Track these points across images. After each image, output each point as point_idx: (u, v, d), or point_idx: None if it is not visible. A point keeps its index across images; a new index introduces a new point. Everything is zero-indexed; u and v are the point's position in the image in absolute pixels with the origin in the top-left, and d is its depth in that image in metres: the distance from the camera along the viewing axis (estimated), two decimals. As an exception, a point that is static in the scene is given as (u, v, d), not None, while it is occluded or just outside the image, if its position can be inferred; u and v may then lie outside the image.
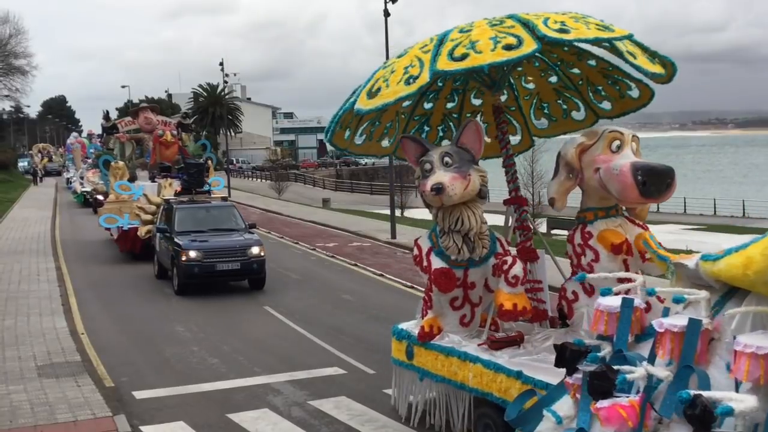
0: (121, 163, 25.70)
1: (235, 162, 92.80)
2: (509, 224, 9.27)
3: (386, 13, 26.00)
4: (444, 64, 7.37)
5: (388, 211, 29.35)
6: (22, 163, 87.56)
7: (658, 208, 46.73)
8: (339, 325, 14.31)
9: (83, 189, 44.96)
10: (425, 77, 7.41)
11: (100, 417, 9.26)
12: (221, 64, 51.93)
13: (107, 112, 29.23)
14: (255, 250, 17.42)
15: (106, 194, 30.47)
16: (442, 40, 7.71)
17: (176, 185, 21.88)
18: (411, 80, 7.49)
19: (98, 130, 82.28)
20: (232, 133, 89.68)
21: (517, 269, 8.04)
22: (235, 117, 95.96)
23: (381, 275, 19.92)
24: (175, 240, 17.58)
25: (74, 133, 70.98)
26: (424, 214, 42.79)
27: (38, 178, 68.81)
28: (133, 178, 26.04)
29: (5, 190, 56.54)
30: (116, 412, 9.41)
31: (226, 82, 60.46)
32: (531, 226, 9.03)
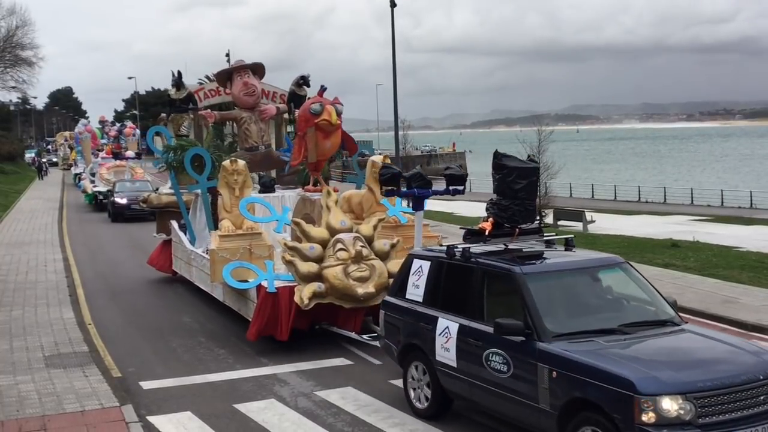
0: (241, 162, 14.12)
1: None
2: None
3: (392, 4, 25.99)
4: None
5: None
6: (30, 155, 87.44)
7: (665, 199, 46.84)
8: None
9: (95, 188, 37.14)
10: None
11: (108, 407, 9.29)
12: (227, 55, 52.05)
13: (179, 73, 16.75)
14: None
15: (168, 207, 19.26)
16: None
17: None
18: None
19: (110, 117, 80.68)
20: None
21: None
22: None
23: (387, 266, 19.84)
24: (578, 360, 7.00)
25: (83, 120, 62.67)
26: (430, 214, 42.53)
27: (43, 172, 63.92)
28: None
29: (12, 182, 56.72)
30: (123, 402, 9.44)
31: (231, 73, 60.11)
32: None
